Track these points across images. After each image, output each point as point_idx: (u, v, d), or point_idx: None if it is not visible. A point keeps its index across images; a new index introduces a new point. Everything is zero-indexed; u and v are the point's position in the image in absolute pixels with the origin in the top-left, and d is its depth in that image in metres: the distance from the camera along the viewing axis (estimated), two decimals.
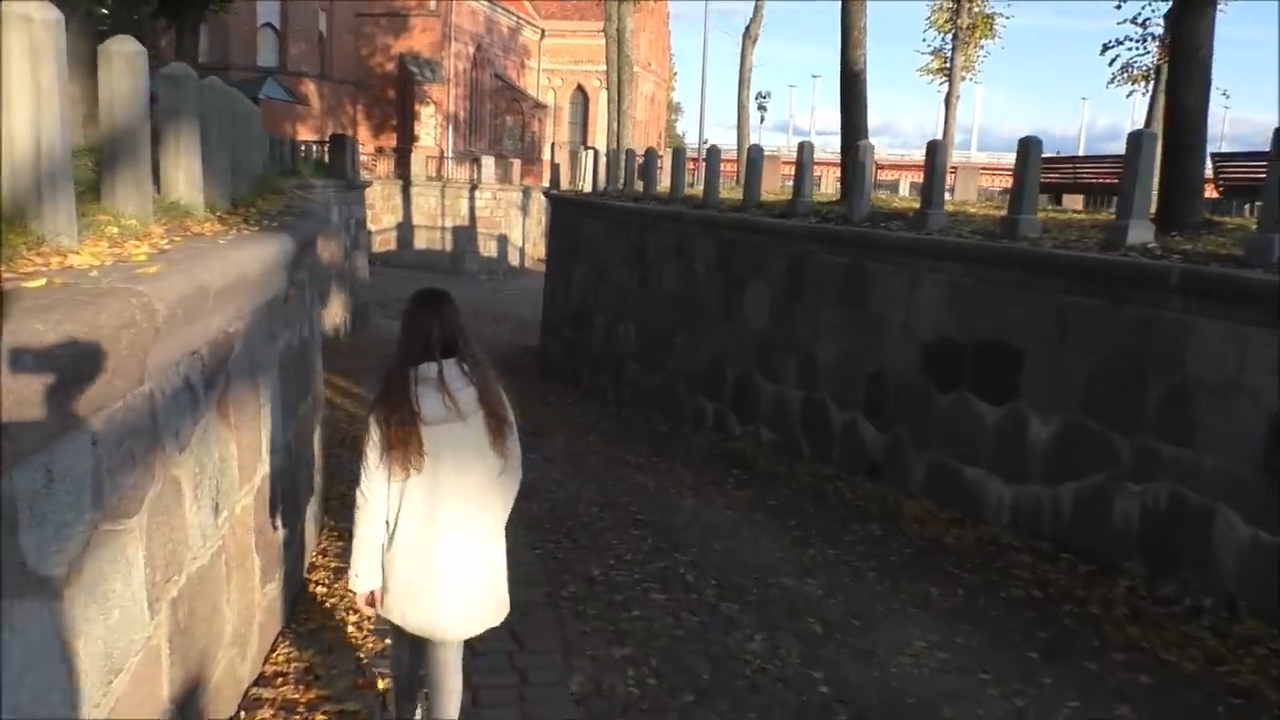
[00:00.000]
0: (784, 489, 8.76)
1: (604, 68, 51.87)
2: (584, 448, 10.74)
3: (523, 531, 6.82)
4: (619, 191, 16.40)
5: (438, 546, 3.20)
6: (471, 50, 49.46)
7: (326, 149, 25.43)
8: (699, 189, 14.30)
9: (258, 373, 4.30)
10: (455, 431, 3.17)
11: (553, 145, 28.69)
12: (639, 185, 16.11)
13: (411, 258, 38.94)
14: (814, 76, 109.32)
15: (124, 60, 3.88)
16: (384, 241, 39.57)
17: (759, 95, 45.44)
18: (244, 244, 4.20)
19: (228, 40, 40.39)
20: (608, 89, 23.16)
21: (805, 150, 10.91)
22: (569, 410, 13.86)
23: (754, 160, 11.94)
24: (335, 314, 21.15)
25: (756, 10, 23.05)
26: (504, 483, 3.33)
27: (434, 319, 3.29)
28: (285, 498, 4.91)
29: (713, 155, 12.92)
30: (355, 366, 17.32)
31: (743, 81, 23.27)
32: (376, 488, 3.22)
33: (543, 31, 57.32)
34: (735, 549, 6.81)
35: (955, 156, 31.94)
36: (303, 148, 21.51)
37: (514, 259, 41.02)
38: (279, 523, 4.72)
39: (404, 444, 3.12)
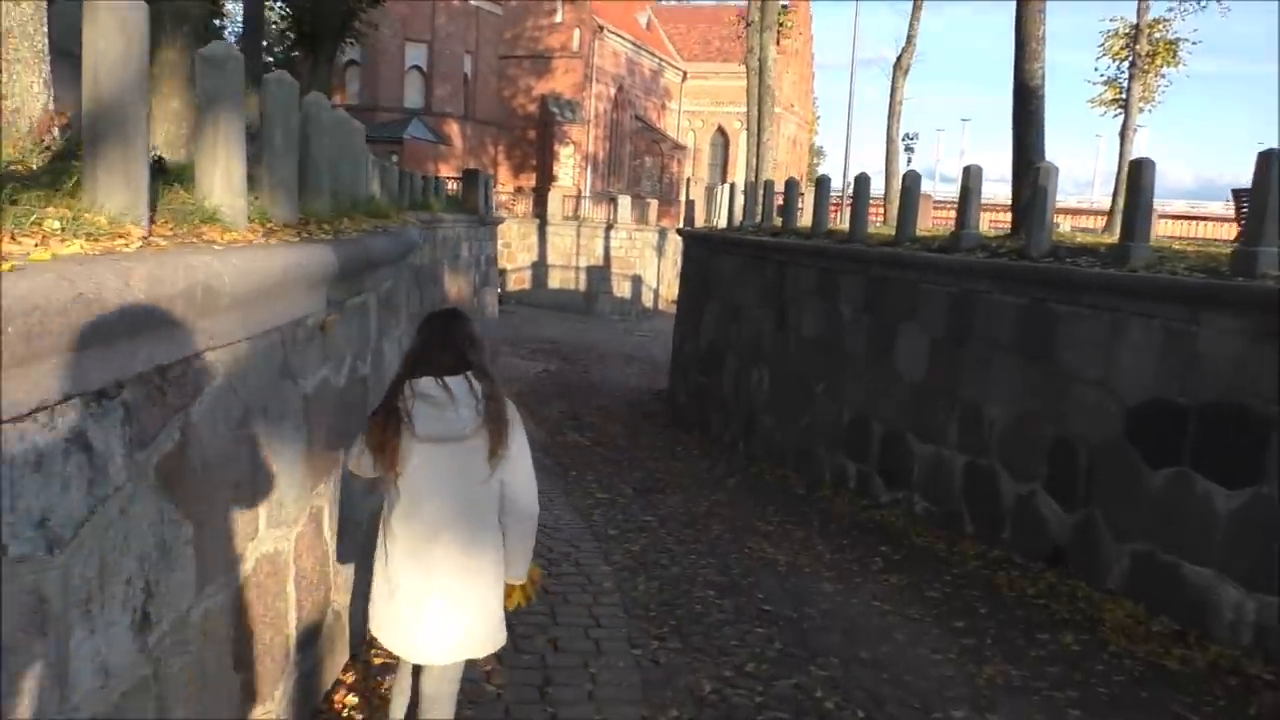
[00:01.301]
0: (944, 576, 7.23)
1: (745, 108, 51.22)
2: (706, 510, 9.43)
3: (622, 620, 5.56)
4: (756, 226, 15.15)
5: (422, 565, 3.18)
6: (613, 91, 49.44)
7: (460, 184, 25.16)
8: (843, 226, 12.98)
9: (257, 421, 3.23)
10: (452, 450, 3.16)
11: (688, 181, 27.78)
12: (778, 220, 14.83)
13: (545, 297, 38.67)
14: (963, 120, 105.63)
15: (113, 16, 2.90)
16: (518, 280, 39.47)
17: (905, 136, 43.63)
18: (251, 253, 3.15)
19: (376, 82, 41.46)
20: (747, 125, 22.03)
21: (972, 175, 9.42)
22: (694, 463, 12.59)
23: (910, 188, 10.51)
24: None
25: (909, 41, 21.56)
26: (495, 505, 3.27)
27: (439, 333, 3.30)
28: (307, 580, 3.82)
29: (862, 183, 11.53)
30: None
31: (892, 114, 21.77)
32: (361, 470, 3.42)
33: (684, 74, 57.01)
34: (888, 661, 5.37)
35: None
36: (434, 182, 21.08)
37: (648, 300, 40.23)
38: (292, 616, 3.63)
39: (382, 450, 3.19)
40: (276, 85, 4.74)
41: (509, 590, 3.44)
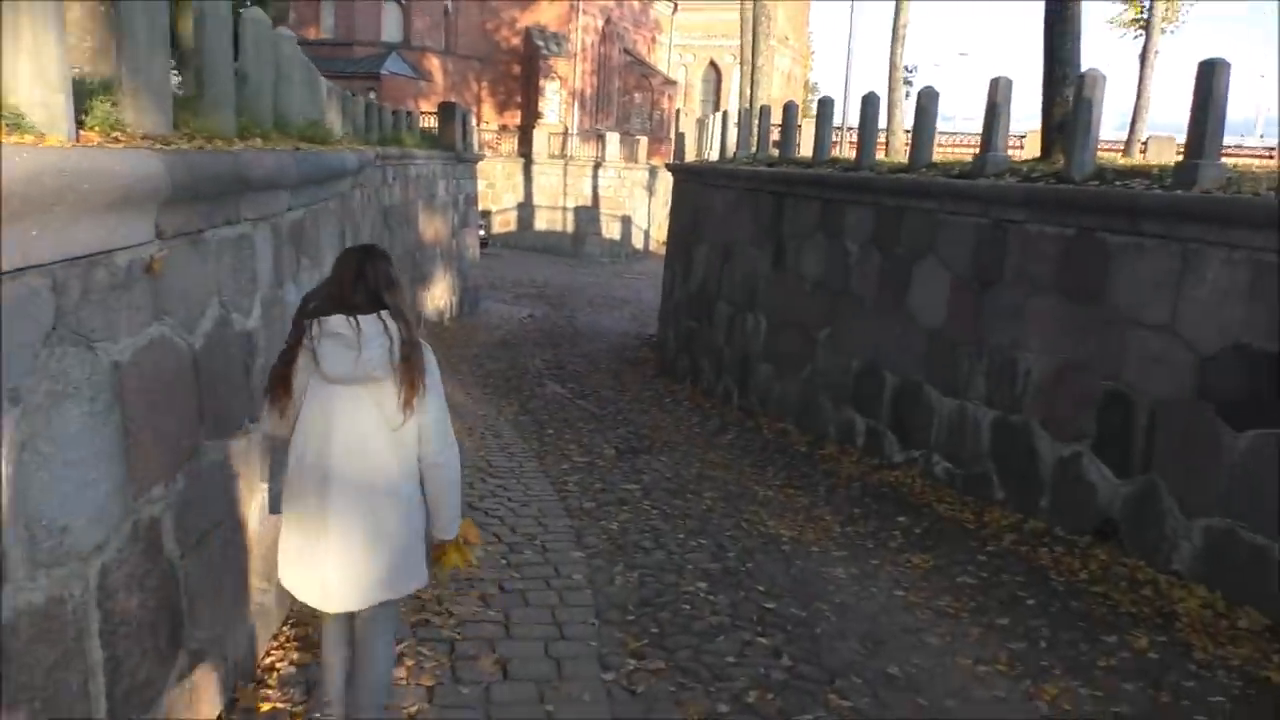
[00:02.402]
0: (977, 555, 6.17)
1: (738, 42, 49.33)
2: (696, 473, 8.36)
3: (592, 629, 4.50)
4: (751, 157, 13.89)
5: (323, 508, 3.02)
6: (600, 24, 47.47)
7: (437, 119, 23.69)
8: (848, 155, 11.76)
9: None
10: (359, 392, 3.00)
11: (678, 112, 26.28)
12: (775, 151, 13.58)
13: (531, 239, 37.36)
14: (961, 55, 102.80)
15: None
16: (504, 222, 38.10)
17: (905, 68, 41.97)
18: None
19: (352, 15, 39.61)
20: (741, 53, 20.58)
21: (1000, 88, 8.18)
22: (684, 417, 11.50)
23: (925, 107, 9.26)
24: (440, 297, 19.39)
25: None
26: (409, 452, 3.08)
27: (353, 270, 3.06)
28: (131, 625, 2.71)
29: (870, 103, 10.28)
30: (452, 358, 15.42)
31: (895, 38, 20.29)
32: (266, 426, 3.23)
33: (675, 5, 54.88)
34: (924, 679, 4.31)
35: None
36: (407, 115, 19.66)
37: (638, 241, 38.94)
38: (99, 680, 2.53)
39: (280, 386, 3.07)
40: None
41: (440, 549, 3.27)
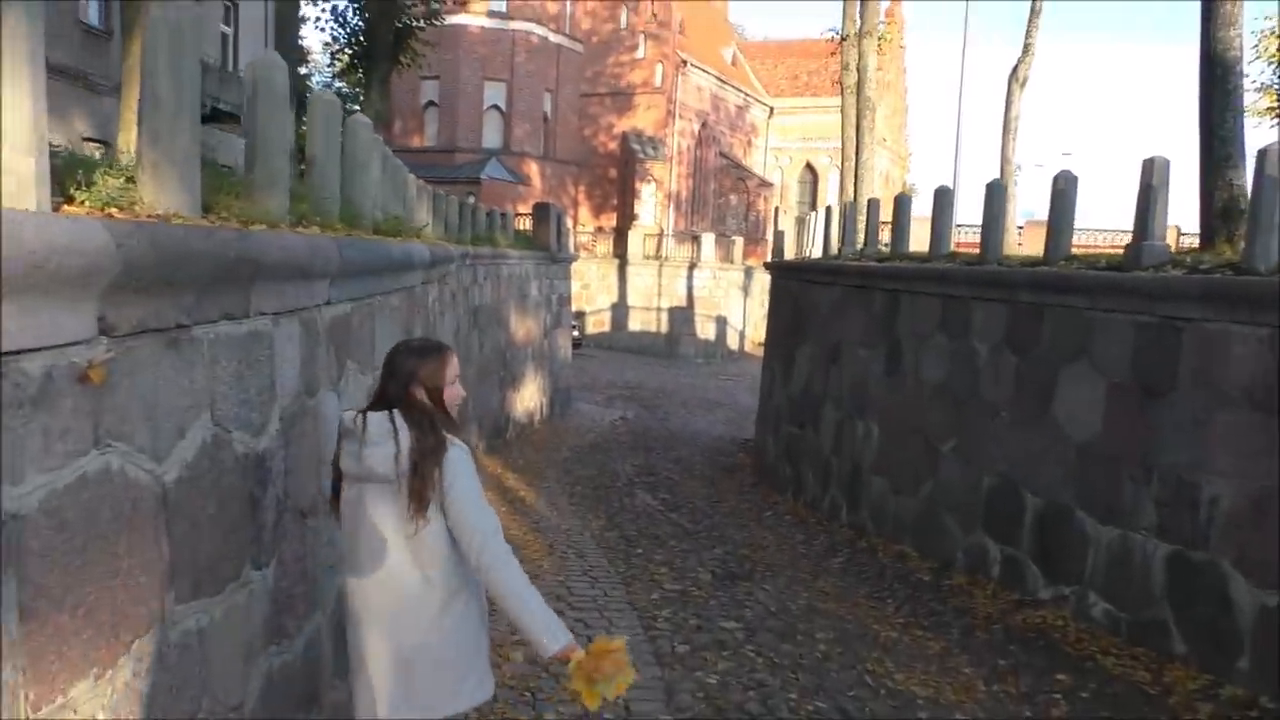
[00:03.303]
0: None
1: (834, 144, 48.87)
2: (805, 605, 7.27)
3: None
4: (857, 253, 13.02)
5: (359, 614, 2.96)
6: (696, 128, 47.88)
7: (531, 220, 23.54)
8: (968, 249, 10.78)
9: None
10: (377, 492, 2.87)
11: (777, 210, 25.73)
12: (884, 247, 12.68)
13: (625, 339, 36.97)
14: (1064, 154, 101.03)
15: None
16: (598, 322, 37.88)
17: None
18: None
19: (455, 124, 40.66)
20: (843, 147, 19.92)
21: (1158, 169, 7.17)
22: (787, 534, 10.41)
23: (1064, 191, 8.26)
24: (530, 398, 18.81)
25: (1025, 49, 19.13)
26: (439, 558, 2.87)
27: (384, 366, 3.02)
28: None
29: (996, 193, 9.34)
30: (540, 462, 14.70)
31: (1007, 130, 19.38)
32: None
33: (771, 109, 55.23)
34: None
35: None
36: (500, 215, 19.45)
37: (733, 342, 38.22)
38: None
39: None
40: (180, 9, 3.05)
41: (572, 673, 2.76)
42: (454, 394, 2.99)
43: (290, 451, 3.27)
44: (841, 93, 19.92)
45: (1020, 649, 6.33)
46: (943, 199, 10.66)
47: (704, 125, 48.54)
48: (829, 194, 44.99)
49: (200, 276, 2.50)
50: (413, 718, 2.90)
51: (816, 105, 52.95)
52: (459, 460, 2.84)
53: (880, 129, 53.11)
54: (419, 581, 2.86)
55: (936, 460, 8.96)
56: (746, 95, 53.10)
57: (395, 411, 2.85)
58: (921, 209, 12.30)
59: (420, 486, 2.78)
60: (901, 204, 11.64)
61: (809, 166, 55.69)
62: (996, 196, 9.42)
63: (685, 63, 45.32)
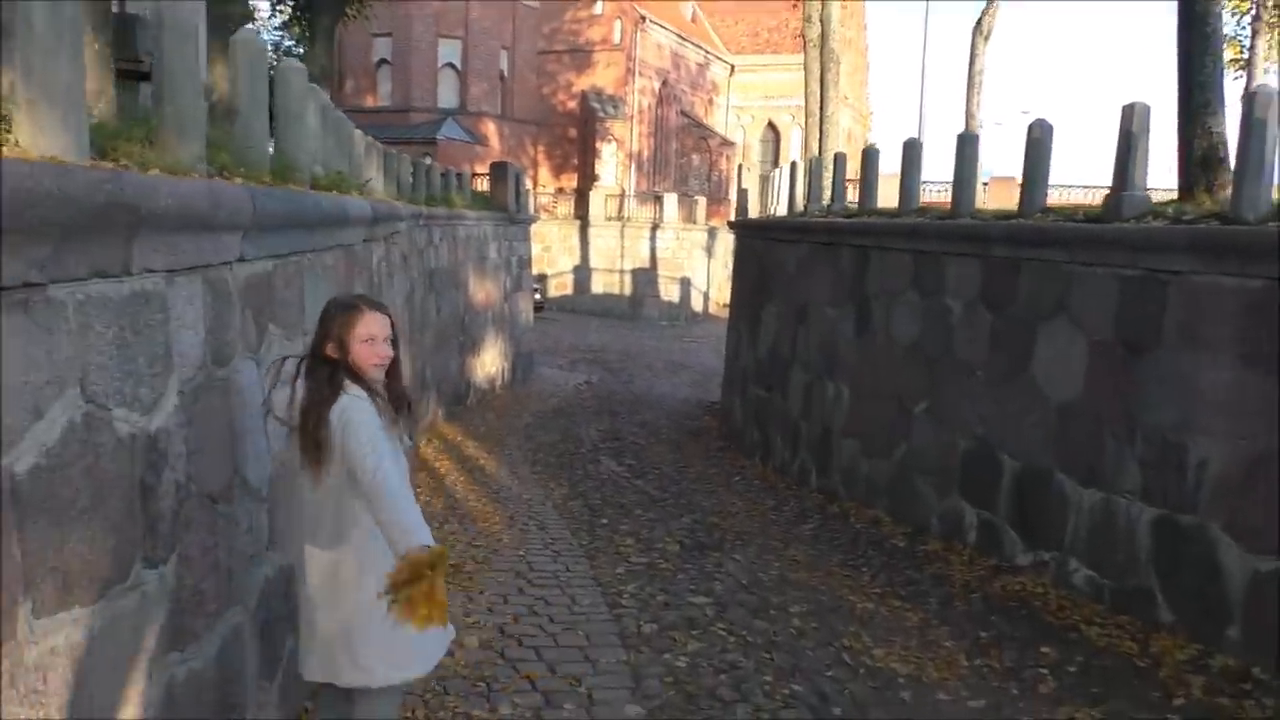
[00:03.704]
0: (1165, 711, 4.67)
1: (796, 102, 48.37)
2: (778, 575, 6.97)
3: None
4: (824, 210, 12.64)
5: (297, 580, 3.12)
6: (657, 86, 47.08)
7: (488, 179, 22.89)
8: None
9: None
10: (294, 439, 2.96)
11: (740, 167, 25.19)
12: (851, 203, 12.32)
13: (588, 302, 36.48)
14: (1023, 113, 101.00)
15: None
16: (560, 285, 37.33)
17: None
18: None
19: (409, 82, 39.61)
20: (806, 103, 19.49)
21: (1138, 115, 6.83)
22: (756, 500, 10.11)
23: (1040, 140, 7.92)
24: (491, 363, 18.35)
25: (990, 0, 18.85)
26: (347, 513, 2.89)
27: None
28: None
29: (968, 145, 8.98)
30: (501, 429, 14.28)
31: (972, 85, 19.02)
32: None
33: (732, 66, 54.47)
34: None
35: None
36: (456, 175, 18.81)
37: (697, 304, 37.85)
38: None
39: None
40: None
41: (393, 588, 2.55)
42: (372, 352, 2.92)
43: (195, 430, 2.84)
44: (804, 47, 19.45)
45: (1002, 619, 6.06)
46: (911, 152, 10.28)
47: (664, 83, 47.77)
48: (792, 153, 44.50)
49: (56, 224, 2.06)
50: (324, 680, 2.99)
51: (778, 63, 52.29)
52: (350, 407, 2.82)
53: (842, 86, 52.69)
54: (338, 548, 2.90)
55: (909, 422, 8.67)
56: (707, 53, 52.28)
57: (304, 360, 2.96)
58: (887, 166, 11.94)
59: (307, 438, 2.83)
60: (869, 158, 11.27)
61: (771, 125, 55.10)
62: (969, 148, 9.06)
63: (644, 19, 44.41)
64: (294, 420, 2.90)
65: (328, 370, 2.87)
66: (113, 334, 2.37)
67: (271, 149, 5.64)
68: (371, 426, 2.81)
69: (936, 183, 24.97)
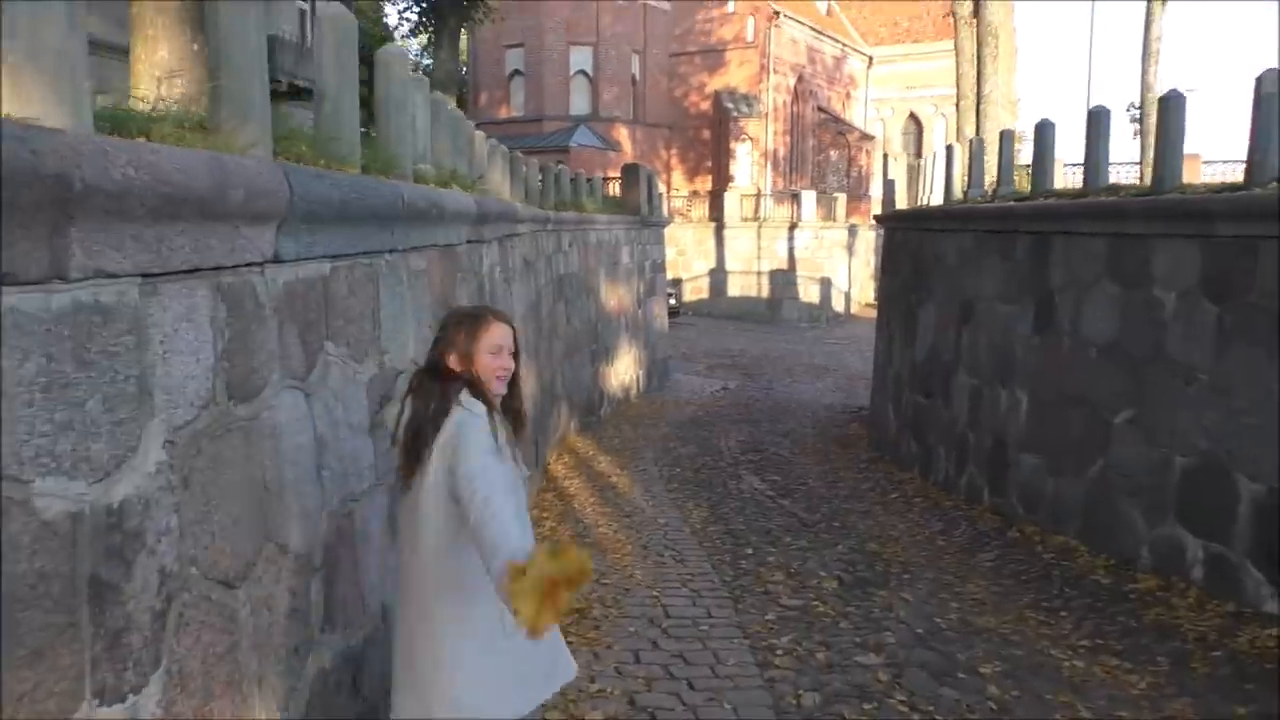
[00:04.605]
0: None
1: (940, 91, 46.03)
2: (958, 621, 5.87)
3: None
4: (986, 196, 11.33)
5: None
6: (792, 82, 45.65)
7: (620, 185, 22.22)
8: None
9: None
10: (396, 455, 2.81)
11: (885, 157, 23.72)
12: (1021, 184, 10.99)
13: (725, 306, 35.51)
14: (1188, 90, 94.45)
15: None
16: (695, 289, 36.50)
17: (1130, 106, 37.45)
18: None
19: (542, 92, 39.59)
20: (957, 82, 18.06)
21: None
22: (919, 521, 8.96)
23: (1271, 96, 6.54)
24: (624, 371, 17.66)
25: None
26: (435, 535, 2.64)
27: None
28: None
29: (1174, 104, 7.61)
30: (636, 440, 13.51)
31: (1148, 54, 17.22)
32: None
33: (870, 58, 52.48)
34: None
35: None
36: (587, 180, 18.18)
37: (838, 304, 36.38)
38: None
39: None
40: None
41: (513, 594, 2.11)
42: (498, 364, 2.74)
43: (196, 493, 2.06)
44: (954, 25, 18.04)
45: (1261, 688, 4.80)
46: (1098, 123, 8.92)
47: (800, 79, 46.27)
48: (935, 144, 42.36)
49: None
50: (411, 716, 2.68)
51: (919, 52, 50.13)
52: (466, 424, 2.61)
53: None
54: (436, 571, 2.66)
55: (1107, 434, 7.38)
56: (843, 45, 50.49)
57: (417, 375, 2.77)
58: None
59: (410, 454, 2.64)
60: (1043, 132, 9.91)
61: (913, 116, 52.83)
62: (1174, 113, 7.70)
63: (778, 14, 43.11)
64: (401, 437, 2.69)
65: (440, 386, 2.67)
66: (32, 369, 1.59)
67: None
68: (486, 447, 2.59)
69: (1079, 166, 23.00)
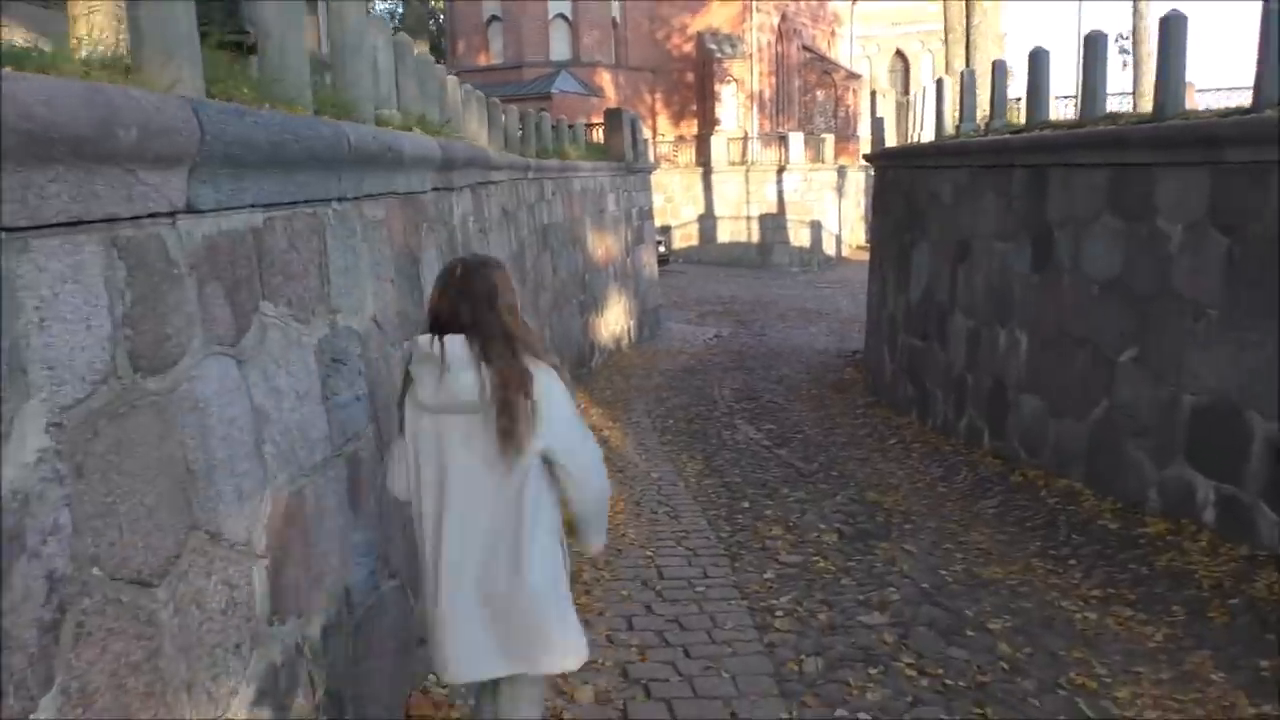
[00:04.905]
0: None
1: (928, 27, 45.19)
2: (963, 573, 5.65)
3: None
4: (979, 129, 10.95)
5: (445, 559, 2.65)
6: (776, 21, 44.73)
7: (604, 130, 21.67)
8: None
9: None
10: (460, 424, 2.60)
11: (873, 95, 23.12)
12: (1013, 118, 10.60)
13: (714, 252, 35.09)
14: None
15: None
16: (684, 236, 36.02)
17: (1119, 37, 36.58)
18: None
19: (520, 38, 38.71)
20: (945, 13, 17.52)
21: None
22: (919, 467, 8.74)
23: (1274, 11, 6.17)
24: (615, 321, 17.35)
25: None
26: (532, 494, 2.63)
27: (441, 282, 2.69)
28: None
29: (1173, 27, 7.23)
30: (628, 391, 13.26)
31: None
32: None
33: None
34: None
35: None
36: (569, 126, 17.68)
37: (829, 247, 35.97)
38: None
39: (398, 428, 2.80)
40: None
41: None
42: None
43: (95, 482, 1.76)
44: None
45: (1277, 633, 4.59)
46: (1094, 48, 8.52)
47: (784, 18, 45.34)
48: (924, 81, 41.68)
49: None
50: (512, 672, 2.72)
51: None
52: (549, 385, 2.61)
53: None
54: (514, 521, 2.62)
55: (1111, 374, 7.11)
56: None
57: (467, 337, 2.56)
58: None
59: (509, 424, 2.53)
60: (1038, 61, 9.50)
61: (899, 54, 52.03)
62: (1175, 34, 7.31)
63: None
64: (493, 405, 2.53)
65: (509, 346, 2.58)
66: None
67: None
68: (573, 407, 2.72)
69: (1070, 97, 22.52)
